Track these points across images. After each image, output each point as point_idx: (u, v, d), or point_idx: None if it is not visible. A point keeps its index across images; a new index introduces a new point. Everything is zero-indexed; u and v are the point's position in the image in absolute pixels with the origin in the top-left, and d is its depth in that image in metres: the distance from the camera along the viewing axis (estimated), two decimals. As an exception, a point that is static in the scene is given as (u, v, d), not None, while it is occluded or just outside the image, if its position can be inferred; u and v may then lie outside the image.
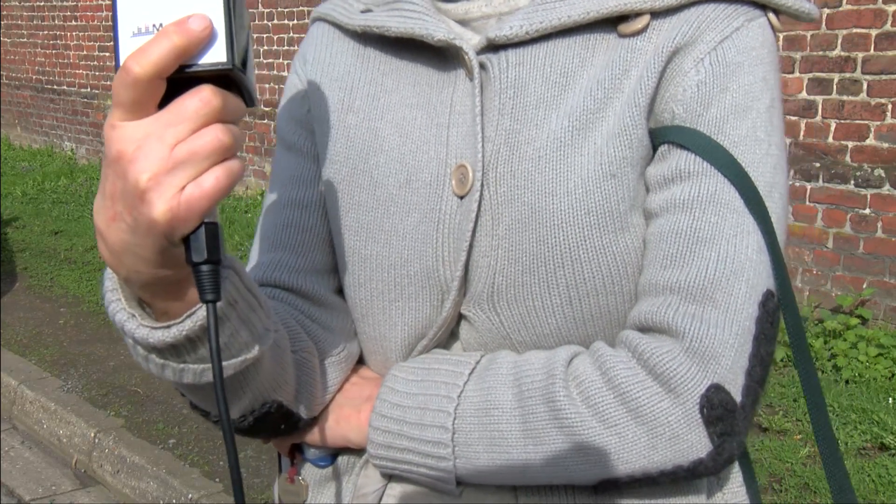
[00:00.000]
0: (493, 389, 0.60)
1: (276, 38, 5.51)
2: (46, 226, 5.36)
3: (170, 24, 0.43)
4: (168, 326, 0.51)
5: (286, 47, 5.44)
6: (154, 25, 0.44)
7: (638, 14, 0.60)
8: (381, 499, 0.67)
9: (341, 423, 0.67)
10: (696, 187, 0.59)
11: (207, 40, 0.44)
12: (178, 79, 0.44)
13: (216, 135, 0.44)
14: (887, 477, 2.37)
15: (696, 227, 0.58)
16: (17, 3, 7.80)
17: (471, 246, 0.61)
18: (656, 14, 0.60)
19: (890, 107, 3.09)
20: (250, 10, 5.65)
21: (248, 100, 0.48)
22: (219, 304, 0.50)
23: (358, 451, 0.68)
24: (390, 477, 0.66)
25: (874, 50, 3.08)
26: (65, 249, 4.84)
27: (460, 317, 0.65)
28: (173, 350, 0.52)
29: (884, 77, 3.08)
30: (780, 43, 3.22)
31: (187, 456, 2.65)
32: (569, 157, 0.60)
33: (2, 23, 8.07)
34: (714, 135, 0.59)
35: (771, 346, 0.58)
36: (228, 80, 0.46)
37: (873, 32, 3.07)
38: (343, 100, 0.68)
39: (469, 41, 0.63)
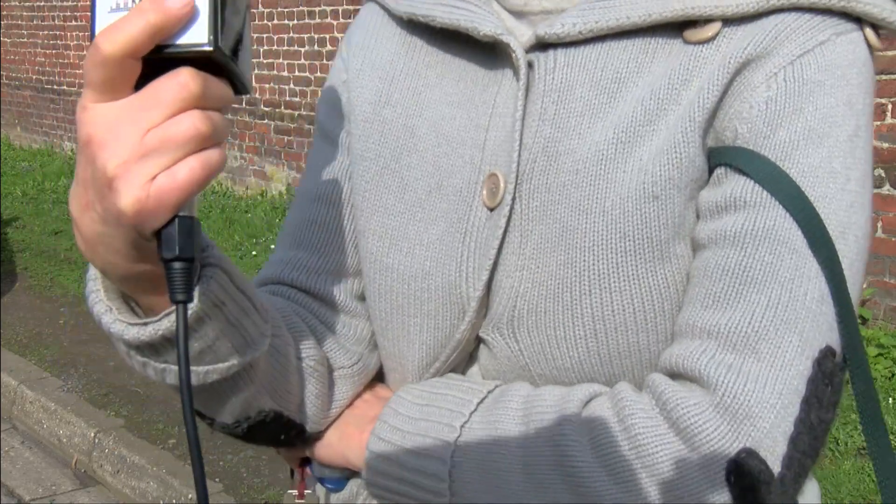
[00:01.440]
0: (500, 424, 0.55)
1: (276, 38, 5.50)
2: (46, 226, 5.36)
3: (147, 0, 0.40)
4: (145, 324, 0.48)
5: (286, 47, 5.44)
6: (132, 1, 0.41)
7: (708, 20, 0.53)
8: None
9: (343, 441, 0.63)
10: (752, 220, 0.51)
11: (188, 19, 0.40)
12: (158, 59, 0.41)
13: (193, 122, 0.40)
14: (887, 477, 2.37)
15: (746, 265, 0.51)
16: (18, 3, 7.80)
17: (495, 264, 0.56)
18: (728, 21, 0.53)
19: (890, 107, 3.08)
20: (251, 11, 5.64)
21: (241, 86, 0.45)
22: (200, 305, 0.47)
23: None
24: None
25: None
26: (65, 249, 4.84)
27: (480, 341, 0.60)
28: (152, 349, 0.49)
29: (884, 77, 3.08)
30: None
31: (187, 456, 2.64)
32: (609, 173, 0.54)
33: (2, 23, 8.07)
34: (780, 161, 0.51)
35: (826, 413, 0.50)
36: (214, 63, 0.42)
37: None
38: (382, 91, 0.64)
39: (520, 37, 0.58)
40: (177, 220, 0.42)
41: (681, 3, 0.53)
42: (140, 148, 0.40)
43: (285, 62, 5.45)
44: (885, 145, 3.10)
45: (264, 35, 5.57)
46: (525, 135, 0.56)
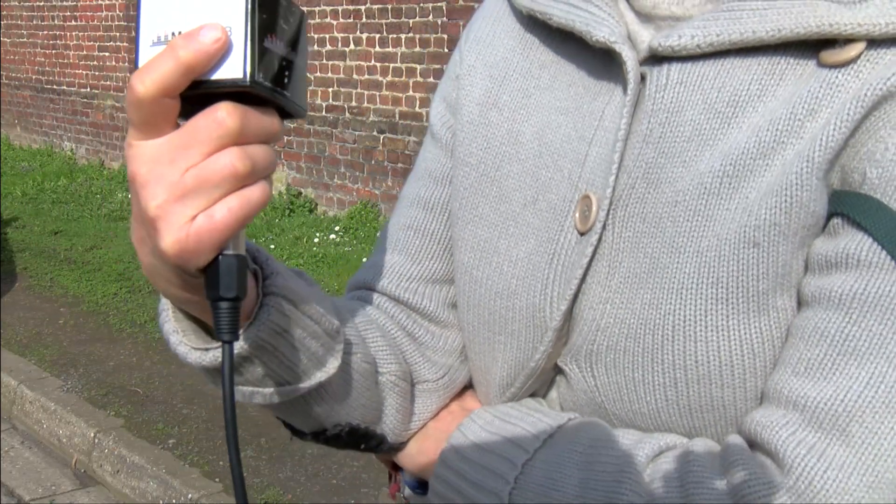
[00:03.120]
0: (562, 468, 0.52)
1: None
2: (46, 226, 5.33)
3: (179, 37, 0.38)
4: (206, 350, 0.48)
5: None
6: (173, 33, 0.39)
7: (849, 40, 0.46)
8: None
9: (421, 454, 0.62)
10: (864, 282, 0.45)
11: (221, 53, 0.38)
12: (199, 94, 0.39)
13: (230, 160, 0.39)
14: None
15: (849, 333, 0.45)
16: (17, 4, 7.77)
17: (578, 292, 0.53)
18: (874, 42, 0.46)
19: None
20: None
21: (293, 111, 0.43)
22: (258, 335, 0.47)
23: None
24: None
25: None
26: (64, 249, 4.82)
27: (559, 370, 0.57)
28: (217, 373, 0.48)
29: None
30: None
31: (187, 456, 2.64)
32: (711, 209, 0.48)
33: (2, 23, 8.04)
34: None
35: None
36: (256, 94, 0.40)
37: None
38: (491, 91, 0.60)
39: (640, 43, 0.53)
40: (220, 258, 0.42)
41: (818, 18, 0.46)
42: (179, 188, 0.39)
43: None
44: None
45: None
46: (626, 156, 0.52)
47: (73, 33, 7.16)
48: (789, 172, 0.47)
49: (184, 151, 0.39)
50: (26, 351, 3.49)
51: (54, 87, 7.54)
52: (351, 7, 4.91)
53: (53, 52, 7.45)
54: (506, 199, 0.58)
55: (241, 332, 0.46)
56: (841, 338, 0.46)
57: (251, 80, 0.39)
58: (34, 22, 7.61)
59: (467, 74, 0.62)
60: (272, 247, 4.61)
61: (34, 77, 7.79)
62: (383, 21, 4.74)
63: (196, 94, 0.39)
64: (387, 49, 4.76)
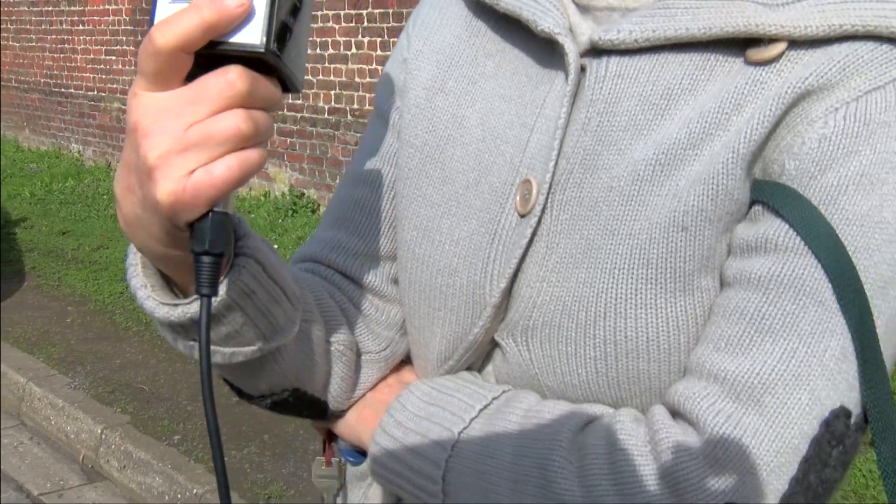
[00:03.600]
0: (497, 435, 0.53)
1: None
2: (54, 226, 5.36)
3: None
4: (175, 305, 0.48)
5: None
6: None
7: (773, 40, 0.48)
8: None
9: (360, 423, 0.63)
10: (780, 265, 0.47)
11: (243, 18, 0.40)
12: (211, 55, 0.40)
13: (236, 121, 0.40)
14: (877, 472, 2.37)
15: (765, 312, 0.47)
16: (27, 9, 7.81)
17: (518, 271, 0.55)
18: (795, 43, 0.48)
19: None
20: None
21: (291, 86, 0.44)
22: (228, 293, 0.48)
23: None
24: (399, 497, 0.62)
25: None
26: (72, 249, 4.84)
27: (496, 344, 0.59)
28: (181, 328, 0.50)
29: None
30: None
31: (192, 452, 2.66)
32: (643, 195, 0.50)
33: (11, 27, 8.08)
34: (824, 206, 0.47)
35: (831, 472, 0.47)
36: (265, 63, 0.42)
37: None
38: (438, 76, 0.61)
39: (581, 35, 0.54)
40: (210, 214, 0.42)
41: (745, 18, 0.48)
42: (182, 141, 0.40)
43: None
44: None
45: (267, 39, 5.56)
46: (566, 143, 0.54)
47: (81, 38, 7.20)
48: (716, 162, 0.49)
49: (191, 107, 0.40)
50: (35, 349, 3.52)
51: (62, 90, 7.57)
52: (353, 11, 4.94)
53: (61, 55, 7.49)
54: (449, 181, 0.59)
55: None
56: (758, 316, 0.48)
57: (266, 48, 0.40)
58: (42, 27, 7.65)
59: (414, 59, 0.63)
60: (276, 246, 4.63)
61: (42, 80, 7.82)
62: (384, 25, 4.76)
63: (207, 55, 0.40)
64: (388, 52, 4.78)
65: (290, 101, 5.45)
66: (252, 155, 0.41)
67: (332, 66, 5.13)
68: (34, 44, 7.83)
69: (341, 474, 0.70)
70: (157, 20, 0.41)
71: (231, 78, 0.40)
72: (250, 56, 0.41)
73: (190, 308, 0.48)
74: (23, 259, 4.70)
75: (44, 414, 3.10)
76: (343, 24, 5.02)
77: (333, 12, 5.06)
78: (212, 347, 0.51)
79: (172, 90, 0.41)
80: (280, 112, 5.53)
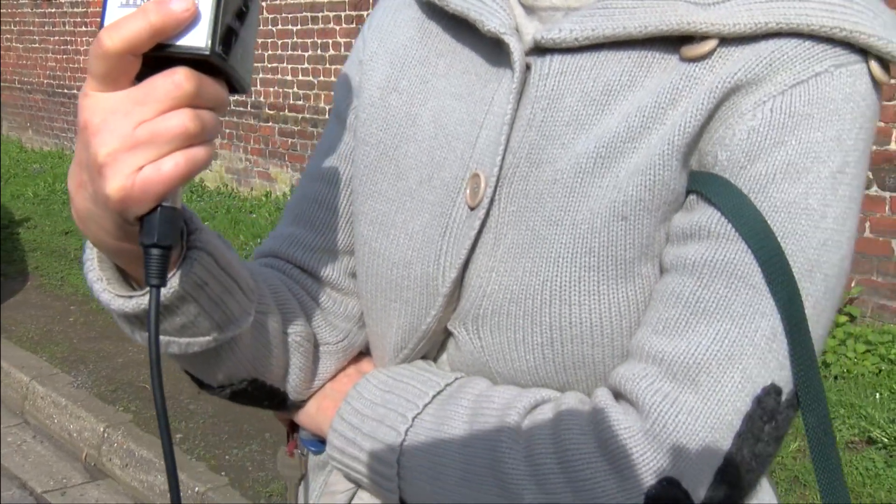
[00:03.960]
0: (448, 420, 0.55)
1: (279, 42, 5.51)
2: (57, 226, 5.37)
3: (151, 1, 0.41)
4: (129, 297, 0.50)
5: (290, 52, 5.45)
6: None
7: (705, 37, 0.50)
8: (351, 499, 0.65)
9: (320, 413, 0.65)
10: (713, 251, 0.50)
11: (189, 22, 0.41)
12: (158, 57, 0.42)
13: (182, 120, 0.41)
14: (874, 469, 2.38)
15: (700, 296, 0.50)
16: (30, 11, 7.81)
17: (468, 262, 0.56)
18: (725, 41, 0.50)
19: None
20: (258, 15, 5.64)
21: (238, 87, 0.46)
22: (180, 284, 0.50)
23: None
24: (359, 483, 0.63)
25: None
26: (75, 249, 4.85)
27: (450, 333, 0.60)
28: (137, 319, 0.51)
29: (872, 81, 3.08)
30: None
31: (194, 450, 2.66)
32: (585, 187, 0.52)
33: (15, 29, 8.08)
34: (753, 194, 0.49)
35: (764, 447, 0.49)
36: (211, 65, 0.43)
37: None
38: (392, 76, 0.63)
39: (526, 35, 0.56)
40: (159, 209, 0.44)
41: (678, 17, 0.51)
42: (130, 139, 0.42)
43: (289, 66, 5.45)
44: (874, 148, 3.10)
45: (269, 40, 5.57)
46: (512, 138, 0.55)
47: (84, 39, 7.20)
48: (653, 154, 0.51)
49: (139, 107, 0.41)
50: (38, 348, 3.52)
51: (65, 91, 7.58)
52: (353, 13, 4.94)
53: (64, 56, 7.49)
54: (403, 177, 0.60)
55: (168, 278, 0.47)
56: (693, 300, 0.50)
57: (211, 51, 0.42)
58: (46, 28, 7.65)
59: (370, 60, 0.65)
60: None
61: (45, 81, 7.83)
62: (386, 26, 4.76)
63: (156, 57, 0.42)
64: (389, 53, 4.78)
65: (291, 101, 5.46)
66: (199, 152, 0.43)
67: (333, 66, 5.13)
68: (37, 45, 7.84)
69: (302, 464, 0.71)
70: (106, 23, 0.42)
71: (178, 79, 0.41)
72: (196, 58, 0.42)
73: (143, 299, 0.49)
74: (26, 259, 4.71)
75: (47, 412, 3.10)
76: (344, 26, 5.03)
77: (334, 13, 5.06)
78: (168, 338, 0.53)
79: (121, 91, 0.42)
80: (281, 113, 5.54)
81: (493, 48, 0.58)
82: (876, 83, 0.51)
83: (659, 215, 0.52)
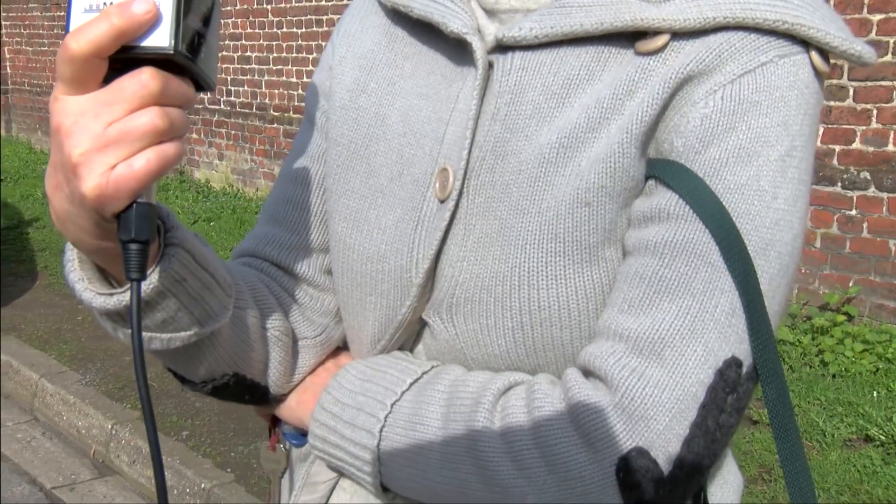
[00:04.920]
0: (426, 405, 0.56)
1: (285, 45, 5.51)
2: (66, 226, 5.37)
3: (113, 5, 0.41)
4: (111, 294, 0.50)
5: (295, 54, 5.45)
6: (105, 3, 0.42)
7: (658, 32, 0.53)
8: (332, 489, 0.66)
9: (300, 406, 0.65)
10: (672, 232, 0.51)
11: (151, 24, 0.42)
12: (124, 59, 0.42)
13: (151, 118, 0.42)
14: (871, 467, 2.37)
15: (661, 275, 0.51)
16: (39, 14, 7.82)
17: (439, 253, 0.57)
18: (677, 35, 0.53)
19: (875, 112, 3.08)
20: (259, 19, 5.65)
21: (204, 84, 0.46)
22: (160, 280, 0.50)
23: None
24: (340, 472, 0.64)
25: (860, 57, 3.08)
26: (83, 249, 4.85)
27: (425, 323, 0.61)
28: (119, 316, 0.52)
29: (869, 83, 3.07)
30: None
31: (200, 447, 2.66)
32: (549, 176, 0.54)
33: (25, 32, 8.09)
34: (708, 177, 0.51)
35: (727, 418, 0.50)
36: (176, 64, 0.44)
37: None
38: (360, 80, 0.64)
39: (487, 35, 0.58)
40: (134, 205, 0.44)
41: (632, 14, 0.52)
42: (102, 139, 0.42)
43: (294, 68, 5.45)
44: (871, 149, 3.10)
45: (274, 42, 5.57)
46: (478, 133, 0.56)
47: (92, 41, 7.21)
48: (613, 143, 0.52)
49: (108, 107, 0.42)
50: (47, 346, 3.52)
51: (74, 92, 7.59)
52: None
53: (73, 59, 7.50)
54: (374, 174, 0.61)
55: (147, 273, 0.48)
56: (655, 279, 0.51)
57: (175, 49, 0.42)
58: (55, 31, 7.66)
59: (339, 65, 0.66)
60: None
61: (54, 84, 7.84)
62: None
63: (122, 59, 0.42)
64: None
65: (297, 103, 5.46)
66: (169, 148, 0.43)
67: (338, 69, 5.13)
68: (46, 48, 7.85)
69: (285, 457, 0.71)
70: (71, 28, 0.42)
71: (144, 79, 0.42)
72: (161, 57, 0.43)
73: (124, 296, 0.50)
74: (35, 258, 4.72)
75: (56, 409, 3.11)
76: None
77: (339, 16, 5.06)
78: (150, 334, 0.53)
79: (90, 93, 0.43)
80: (286, 115, 5.54)
81: (456, 49, 0.59)
82: (817, 72, 0.53)
83: (620, 201, 0.53)
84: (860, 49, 0.53)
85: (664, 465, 0.50)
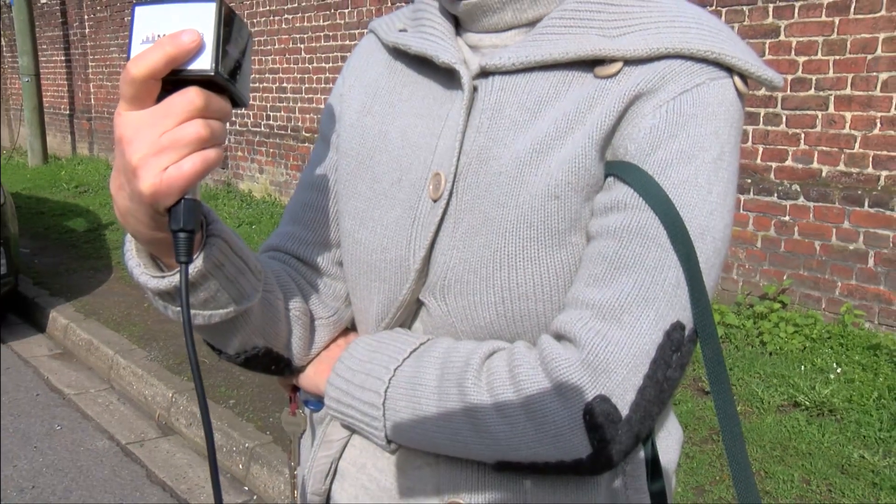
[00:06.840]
0: (423, 368, 0.57)
1: (315, 77, 5.52)
2: (136, 228, 5.39)
3: (166, 37, 0.43)
4: (162, 277, 0.52)
5: (323, 85, 5.46)
6: (158, 35, 0.44)
7: (612, 60, 0.55)
8: (345, 446, 0.67)
9: (318, 375, 0.66)
10: (628, 219, 0.53)
11: (196, 51, 0.43)
12: (174, 80, 0.44)
13: (196, 128, 0.44)
14: (798, 427, 2.38)
15: (620, 254, 0.52)
16: (118, 55, 7.85)
17: (433, 243, 0.58)
18: (629, 62, 0.54)
19: (803, 135, 3.07)
20: (294, 56, 5.66)
21: (239, 102, 0.48)
22: (203, 265, 0.51)
23: None
24: (353, 430, 0.64)
25: (790, 91, 3.07)
26: (150, 247, 4.86)
27: (421, 304, 0.61)
28: (169, 296, 0.53)
29: (798, 112, 3.07)
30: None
31: (244, 413, 2.68)
32: (524, 176, 0.55)
33: (106, 70, 8.12)
34: (657, 175, 0.52)
35: (672, 372, 0.52)
36: (216, 84, 0.45)
37: (789, 77, 3.06)
38: (366, 103, 0.66)
39: (472, 65, 0.60)
40: (183, 201, 0.46)
41: (591, 45, 0.55)
42: (156, 146, 0.44)
43: (322, 97, 5.46)
44: (800, 166, 3.09)
45: (306, 75, 5.58)
46: (465, 143, 0.58)
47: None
48: (577, 147, 0.54)
49: (161, 120, 0.44)
50: (120, 328, 3.56)
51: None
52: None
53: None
54: (377, 180, 0.63)
55: (193, 257, 0.49)
56: (615, 258, 0.53)
57: (215, 71, 0.44)
58: (125, 54, 7.68)
59: (348, 92, 0.68)
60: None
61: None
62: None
63: (172, 80, 0.44)
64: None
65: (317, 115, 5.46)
66: (211, 153, 0.45)
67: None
68: (118, 71, 7.87)
69: (304, 420, 0.72)
70: (132, 56, 0.44)
71: (190, 96, 0.44)
72: (204, 79, 0.44)
73: (174, 278, 0.51)
74: (111, 255, 4.75)
75: (127, 380, 3.14)
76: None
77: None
78: (194, 311, 0.55)
79: (147, 108, 0.44)
80: (316, 136, 5.54)
81: (446, 77, 0.61)
82: (739, 93, 0.55)
83: (584, 195, 0.55)
84: (771, 75, 0.56)
85: (622, 409, 0.51)
